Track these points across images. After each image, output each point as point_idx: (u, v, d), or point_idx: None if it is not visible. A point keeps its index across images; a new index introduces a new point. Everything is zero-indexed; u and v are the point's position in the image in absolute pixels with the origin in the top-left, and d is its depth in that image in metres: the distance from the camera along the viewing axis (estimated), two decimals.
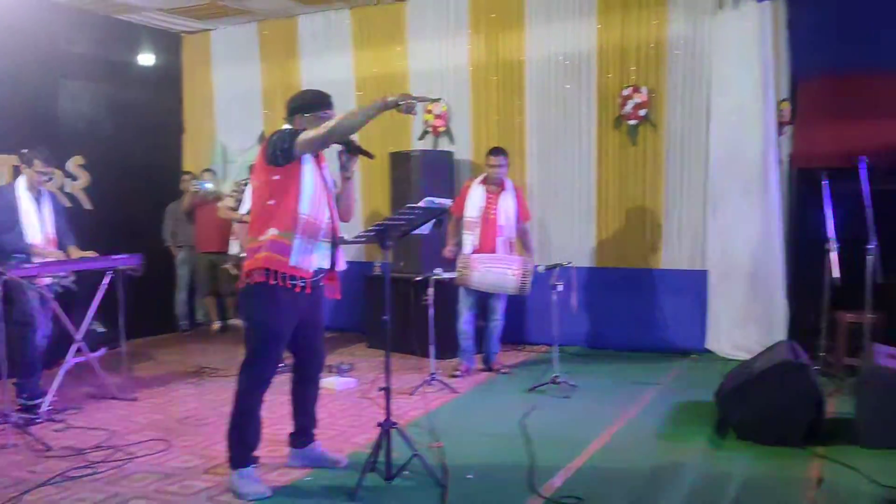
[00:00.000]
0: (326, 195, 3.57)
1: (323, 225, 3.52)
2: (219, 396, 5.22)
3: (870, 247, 5.13)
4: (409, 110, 3.28)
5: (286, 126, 3.55)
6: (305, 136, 3.37)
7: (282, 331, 3.51)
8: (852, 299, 5.29)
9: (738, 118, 6.22)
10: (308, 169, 3.46)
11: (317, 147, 3.44)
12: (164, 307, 8.03)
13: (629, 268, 6.73)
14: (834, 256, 5.22)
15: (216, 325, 8.07)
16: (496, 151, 5.86)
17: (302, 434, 3.85)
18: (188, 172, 8.22)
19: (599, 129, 6.77)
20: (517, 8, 7.01)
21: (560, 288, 5.34)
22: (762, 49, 6.14)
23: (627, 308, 6.69)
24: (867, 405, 4.10)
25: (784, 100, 6.24)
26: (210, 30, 8.48)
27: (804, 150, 6.29)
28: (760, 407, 4.12)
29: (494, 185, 5.85)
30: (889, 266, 5.22)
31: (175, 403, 5.18)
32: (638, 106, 6.58)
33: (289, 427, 3.88)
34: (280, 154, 3.39)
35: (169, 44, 8.53)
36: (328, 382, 5.34)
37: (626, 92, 6.62)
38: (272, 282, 3.40)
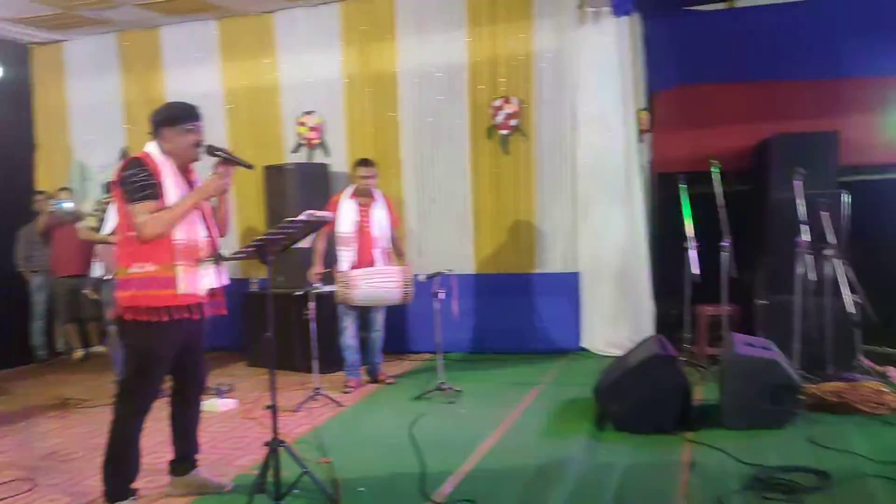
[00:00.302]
0: (201, 212, 3.44)
1: (202, 244, 3.40)
2: (86, 429, 4.90)
3: (724, 244, 5.55)
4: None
5: (148, 148, 3.36)
6: (141, 218, 3.21)
7: (165, 356, 3.36)
8: (711, 294, 5.69)
9: (601, 127, 6.55)
10: (172, 193, 3.31)
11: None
12: (18, 337, 7.41)
13: (507, 273, 6.92)
14: (693, 255, 5.62)
15: (78, 353, 7.56)
16: (365, 163, 5.83)
17: (183, 461, 3.67)
18: (42, 192, 7.66)
19: (472, 139, 6.93)
20: (388, 21, 7.07)
21: (442, 296, 5.40)
22: (621, 61, 6.50)
23: (507, 312, 6.87)
24: (729, 390, 4.42)
25: (642, 109, 6.64)
26: (63, 41, 8.00)
27: (662, 156, 6.72)
28: (635, 399, 4.34)
29: (365, 197, 5.83)
30: (742, 261, 5.67)
31: (38, 439, 4.81)
32: (509, 116, 6.80)
33: (168, 454, 3.70)
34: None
35: (16, 55, 7.98)
36: (209, 405, 5.11)
37: (497, 103, 6.82)
38: (164, 318, 3.25)
